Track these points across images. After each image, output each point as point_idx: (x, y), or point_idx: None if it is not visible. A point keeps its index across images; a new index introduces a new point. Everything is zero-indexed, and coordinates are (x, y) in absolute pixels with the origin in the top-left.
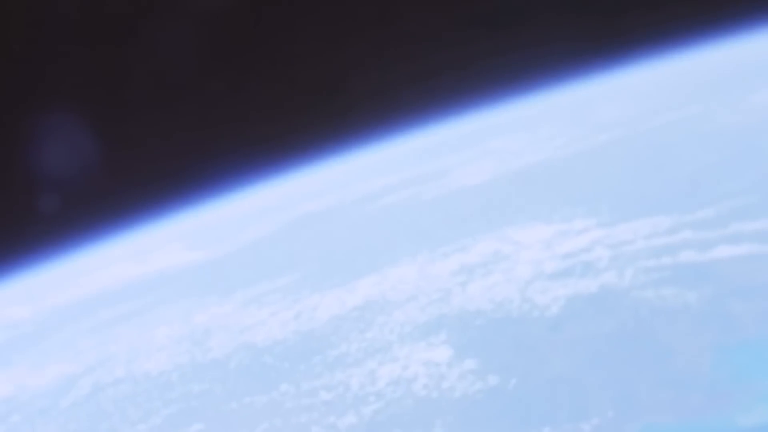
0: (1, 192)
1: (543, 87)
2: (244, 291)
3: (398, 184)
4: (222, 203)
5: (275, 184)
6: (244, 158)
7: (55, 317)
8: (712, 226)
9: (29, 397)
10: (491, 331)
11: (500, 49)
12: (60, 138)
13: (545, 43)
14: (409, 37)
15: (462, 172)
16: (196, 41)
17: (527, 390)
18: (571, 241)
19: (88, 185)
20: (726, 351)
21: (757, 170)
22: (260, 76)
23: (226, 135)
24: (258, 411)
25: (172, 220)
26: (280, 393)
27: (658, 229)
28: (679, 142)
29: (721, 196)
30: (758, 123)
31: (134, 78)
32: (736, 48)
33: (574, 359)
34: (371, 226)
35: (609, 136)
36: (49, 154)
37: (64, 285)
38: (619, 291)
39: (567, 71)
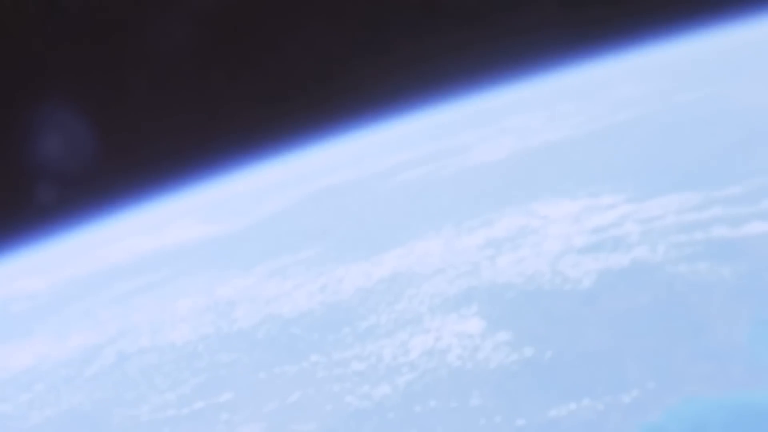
0: (18, 166)
1: (559, 66)
2: (266, 264)
3: (417, 160)
4: (236, 178)
5: (290, 158)
6: (258, 133)
7: (73, 289)
8: (742, 203)
9: (52, 366)
10: (523, 304)
11: (517, 28)
12: (76, 112)
13: (562, 22)
14: (430, 14)
15: (481, 148)
16: (212, 18)
17: (564, 362)
18: (600, 216)
19: (103, 159)
20: (763, 325)
21: None
22: (279, 49)
23: (241, 109)
24: (289, 380)
25: (186, 195)
26: (310, 363)
27: (688, 205)
28: (699, 121)
29: (749, 173)
30: None
31: (151, 54)
32: (753, 29)
33: (610, 332)
34: (392, 201)
35: (628, 115)
36: (66, 128)
37: (80, 258)
38: (651, 265)
39: (583, 51)
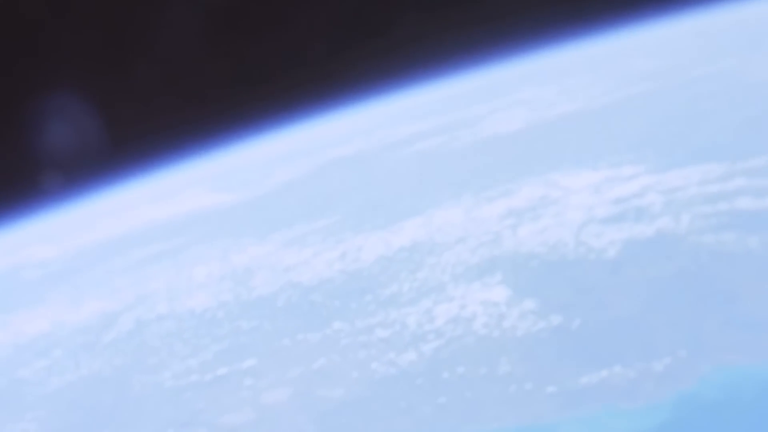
0: (30, 133)
1: (572, 38)
2: (282, 232)
3: (430, 131)
4: (248, 147)
5: (303, 128)
6: (271, 102)
7: (86, 257)
8: (766, 174)
9: (69, 332)
10: (548, 273)
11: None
12: (86, 81)
13: None
14: None
15: (494, 120)
16: None
17: (593, 330)
18: (621, 186)
19: (116, 127)
20: None
21: None
22: (290, 19)
23: (254, 78)
24: (313, 347)
25: (198, 163)
26: (333, 330)
27: (710, 176)
28: (718, 94)
29: None
30: None
31: (160, 22)
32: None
33: (638, 301)
34: (407, 171)
35: (645, 87)
36: (77, 97)
37: (93, 226)
38: (676, 236)
39: (596, 23)
